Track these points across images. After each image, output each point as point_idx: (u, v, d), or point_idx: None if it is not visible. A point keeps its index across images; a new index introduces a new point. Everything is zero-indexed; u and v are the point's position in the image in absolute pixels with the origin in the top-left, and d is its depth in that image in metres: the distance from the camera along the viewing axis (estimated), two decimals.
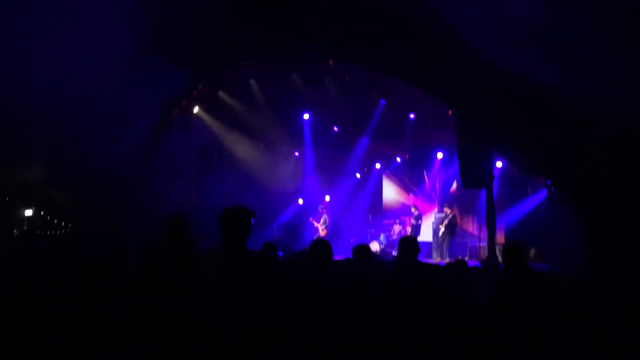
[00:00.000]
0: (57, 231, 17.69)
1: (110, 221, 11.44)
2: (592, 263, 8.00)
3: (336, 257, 6.87)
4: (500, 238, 13.38)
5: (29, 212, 15.24)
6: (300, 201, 18.31)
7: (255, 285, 3.18)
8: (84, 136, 10.29)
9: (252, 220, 3.40)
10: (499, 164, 14.48)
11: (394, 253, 13.51)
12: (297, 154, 17.90)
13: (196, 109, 14.23)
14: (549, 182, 11.53)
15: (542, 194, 13.29)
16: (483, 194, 12.93)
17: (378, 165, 18.27)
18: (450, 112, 12.45)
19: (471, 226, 15.82)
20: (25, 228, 14.52)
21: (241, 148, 15.88)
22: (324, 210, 15.97)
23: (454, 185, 16.45)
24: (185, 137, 13.75)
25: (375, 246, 15.39)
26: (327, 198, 18.30)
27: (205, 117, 14.64)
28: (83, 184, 11.55)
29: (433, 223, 15.05)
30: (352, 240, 15.62)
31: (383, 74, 12.55)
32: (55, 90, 9.61)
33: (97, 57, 9.53)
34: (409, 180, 17.96)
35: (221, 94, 14.34)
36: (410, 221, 15.55)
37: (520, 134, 9.52)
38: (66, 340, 3.18)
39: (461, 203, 15.97)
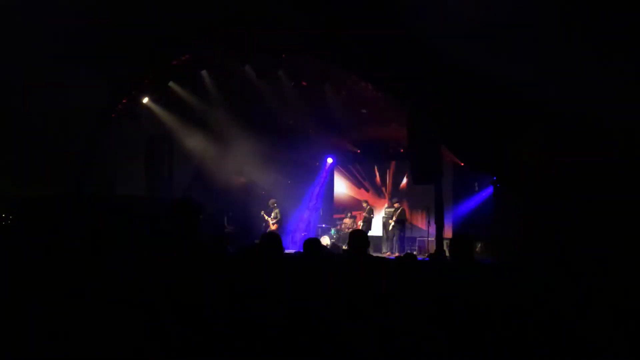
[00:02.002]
0: None
1: (54, 211, 11.04)
2: (534, 253, 8.28)
3: (287, 251, 6.87)
4: (448, 233, 13.68)
5: None
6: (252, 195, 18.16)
7: (201, 277, 3.17)
8: (26, 123, 9.91)
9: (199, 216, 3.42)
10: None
11: (345, 247, 13.61)
12: (249, 147, 17.72)
13: (146, 100, 13.92)
14: (494, 178, 11.83)
15: (489, 190, 13.67)
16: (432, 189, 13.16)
17: (330, 160, 18.34)
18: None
19: (420, 221, 16.11)
20: None
21: (192, 140, 15.62)
22: (275, 205, 15.91)
23: (405, 180, 16.71)
24: (134, 127, 13.43)
25: (326, 240, 15.46)
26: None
27: (155, 108, 14.33)
28: (25, 173, 11.11)
29: (383, 217, 15.27)
30: (303, 235, 15.64)
31: (336, 68, 12.55)
32: None
33: (40, 38, 9.18)
34: (360, 175, 18.12)
35: (172, 84, 14.07)
36: (362, 215, 15.70)
37: (468, 129, 9.74)
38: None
39: (411, 198, 16.25)
